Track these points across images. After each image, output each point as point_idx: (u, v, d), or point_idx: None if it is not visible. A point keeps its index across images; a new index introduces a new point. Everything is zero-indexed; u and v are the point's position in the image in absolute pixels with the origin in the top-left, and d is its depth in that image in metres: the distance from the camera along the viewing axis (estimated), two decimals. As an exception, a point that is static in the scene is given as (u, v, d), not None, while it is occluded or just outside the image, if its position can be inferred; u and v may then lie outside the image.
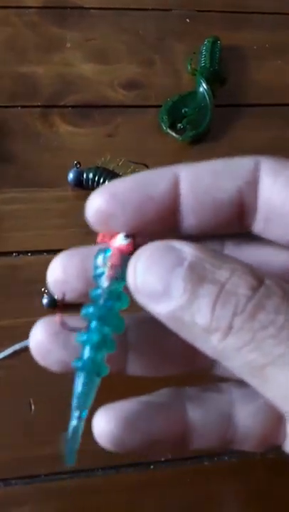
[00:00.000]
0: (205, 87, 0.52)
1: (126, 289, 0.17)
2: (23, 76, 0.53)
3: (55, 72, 0.54)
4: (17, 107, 0.51)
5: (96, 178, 0.45)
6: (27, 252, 0.43)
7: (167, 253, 0.15)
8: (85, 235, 0.44)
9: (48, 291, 0.40)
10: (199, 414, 0.19)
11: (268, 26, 0.63)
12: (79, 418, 0.18)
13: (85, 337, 0.17)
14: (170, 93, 0.53)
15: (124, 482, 0.34)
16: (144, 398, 0.20)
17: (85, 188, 0.46)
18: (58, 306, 0.18)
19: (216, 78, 0.54)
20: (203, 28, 0.61)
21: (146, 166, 0.44)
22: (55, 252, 0.42)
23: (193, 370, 0.20)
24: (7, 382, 0.37)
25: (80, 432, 0.18)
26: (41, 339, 0.19)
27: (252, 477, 0.35)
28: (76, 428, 0.18)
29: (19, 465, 0.34)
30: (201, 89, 0.53)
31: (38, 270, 0.42)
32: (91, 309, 0.17)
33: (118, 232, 0.18)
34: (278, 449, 0.35)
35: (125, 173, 0.46)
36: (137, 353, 0.20)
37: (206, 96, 0.52)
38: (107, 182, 0.45)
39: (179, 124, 0.51)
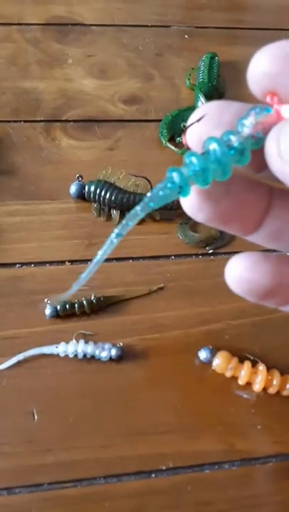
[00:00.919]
0: (203, 101, 0.53)
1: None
2: (25, 91, 0.55)
3: (57, 87, 0.56)
4: (20, 121, 0.52)
5: (98, 191, 0.46)
6: (30, 263, 0.43)
7: None
8: (87, 246, 0.45)
9: (51, 301, 0.41)
10: None
11: (266, 42, 0.63)
12: (143, 208, 0.17)
13: (189, 161, 0.17)
14: (169, 107, 0.54)
15: (126, 490, 0.34)
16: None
17: (86, 200, 0.47)
18: (183, 131, 0.18)
19: (214, 93, 0.55)
20: (202, 43, 0.62)
21: (147, 179, 0.45)
22: (58, 263, 0.44)
23: None
24: (10, 391, 0.37)
25: (136, 219, 0.17)
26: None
27: (253, 484, 0.35)
28: (134, 214, 0.17)
29: (22, 473, 0.34)
30: (200, 103, 0.54)
31: (40, 281, 0.42)
32: (214, 145, 0.16)
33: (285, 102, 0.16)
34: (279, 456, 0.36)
35: (126, 186, 0.47)
36: (271, 222, 0.19)
37: (205, 110, 0.53)
38: (108, 195, 0.46)
39: (178, 138, 0.52)
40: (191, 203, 0.18)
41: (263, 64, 0.16)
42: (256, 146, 0.17)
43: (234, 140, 0.16)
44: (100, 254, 0.18)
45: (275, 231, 0.19)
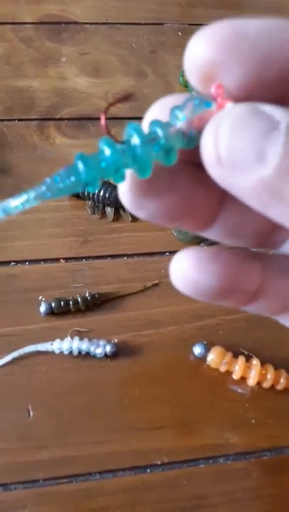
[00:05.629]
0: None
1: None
2: (19, 90, 0.55)
3: (51, 85, 0.56)
4: (14, 119, 0.52)
5: (91, 188, 0.46)
6: (24, 261, 0.43)
7: (256, 116, 0.13)
8: (82, 244, 0.45)
9: (46, 298, 0.41)
10: (275, 274, 0.17)
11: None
12: (38, 195, 0.14)
13: (101, 150, 0.14)
14: (163, 105, 0.54)
15: (122, 485, 0.35)
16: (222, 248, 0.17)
17: (81, 198, 0.47)
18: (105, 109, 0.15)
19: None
20: (195, 41, 0.62)
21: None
22: (52, 260, 0.44)
23: (264, 247, 0.18)
24: (6, 388, 0.37)
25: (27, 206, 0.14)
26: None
27: (247, 478, 0.35)
28: (27, 200, 0.14)
29: (18, 470, 0.34)
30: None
31: (35, 279, 0.43)
32: (135, 139, 0.14)
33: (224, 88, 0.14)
34: (272, 450, 0.36)
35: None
36: (226, 217, 0.17)
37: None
38: (102, 192, 0.46)
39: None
40: (129, 200, 0.15)
41: (202, 51, 0.13)
42: (188, 146, 0.14)
43: (160, 135, 0.14)
44: None
45: (231, 226, 0.17)
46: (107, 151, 0.14)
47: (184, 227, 0.16)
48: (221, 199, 0.16)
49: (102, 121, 0.14)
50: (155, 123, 0.14)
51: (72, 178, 0.14)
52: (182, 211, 0.15)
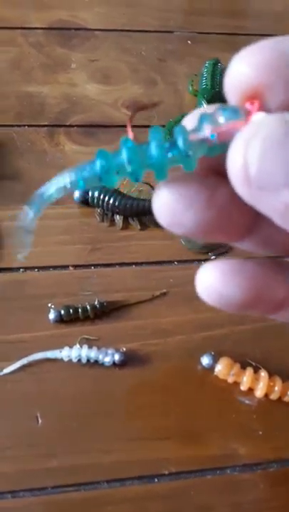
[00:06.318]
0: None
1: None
2: (29, 96, 0.55)
3: (61, 92, 0.56)
4: (24, 126, 0.52)
5: (101, 196, 0.46)
6: (33, 267, 0.44)
7: (288, 134, 0.12)
8: (91, 251, 0.45)
9: (55, 306, 0.41)
10: None
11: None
12: (67, 186, 0.15)
13: (120, 149, 0.14)
14: (172, 113, 0.55)
15: (129, 494, 0.35)
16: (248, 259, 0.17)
17: (90, 205, 0.47)
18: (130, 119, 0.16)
19: (217, 99, 0.55)
20: (204, 49, 0.63)
21: (150, 186, 0.46)
22: (61, 267, 0.44)
23: None
24: (15, 395, 0.37)
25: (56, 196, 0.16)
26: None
27: (254, 489, 0.36)
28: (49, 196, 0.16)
29: (26, 477, 0.35)
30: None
31: (44, 285, 0.43)
32: (153, 141, 0.14)
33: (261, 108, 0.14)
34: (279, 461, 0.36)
35: (129, 192, 0.47)
36: (260, 229, 0.17)
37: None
38: (111, 200, 0.46)
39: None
40: (166, 217, 0.15)
41: (244, 72, 0.14)
42: (210, 154, 0.14)
43: (179, 140, 0.14)
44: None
45: (265, 238, 0.17)
46: (124, 151, 0.14)
47: (217, 240, 0.17)
48: (257, 212, 0.16)
49: (129, 128, 0.15)
50: (178, 129, 0.14)
51: (88, 170, 0.15)
52: (218, 226, 0.16)
